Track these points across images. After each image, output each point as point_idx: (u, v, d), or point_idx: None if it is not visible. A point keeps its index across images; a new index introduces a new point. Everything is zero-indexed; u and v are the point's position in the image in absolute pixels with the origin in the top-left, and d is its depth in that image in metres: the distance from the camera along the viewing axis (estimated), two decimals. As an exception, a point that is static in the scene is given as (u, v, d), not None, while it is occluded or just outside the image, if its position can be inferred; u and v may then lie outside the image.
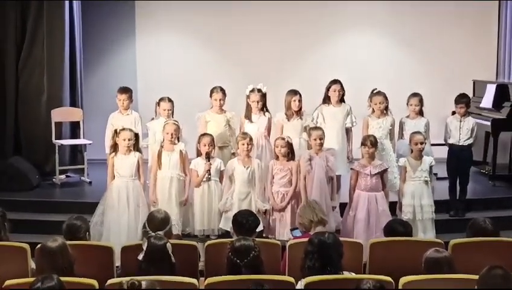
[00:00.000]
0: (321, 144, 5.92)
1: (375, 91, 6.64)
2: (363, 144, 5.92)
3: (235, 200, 5.86)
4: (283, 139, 5.92)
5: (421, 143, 6.00)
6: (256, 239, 4.24)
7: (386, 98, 6.58)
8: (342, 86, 6.63)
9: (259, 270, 3.87)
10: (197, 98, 7.57)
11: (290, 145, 5.92)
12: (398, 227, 4.77)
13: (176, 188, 5.96)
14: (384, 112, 6.58)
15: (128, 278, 3.37)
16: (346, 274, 3.94)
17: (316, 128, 6.08)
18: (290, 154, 5.93)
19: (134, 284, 3.31)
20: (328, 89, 6.65)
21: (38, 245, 4.05)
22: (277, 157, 5.96)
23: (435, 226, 6.00)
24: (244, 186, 5.89)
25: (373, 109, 6.61)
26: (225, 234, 5.80)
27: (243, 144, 5.89)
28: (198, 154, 6.04)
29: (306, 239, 4.17)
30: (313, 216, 4.93)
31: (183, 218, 5.99)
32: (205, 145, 5.92)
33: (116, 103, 7.03)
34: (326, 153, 5.96)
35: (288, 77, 8.67)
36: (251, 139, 5.96)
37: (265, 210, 5.90)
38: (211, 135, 6.08)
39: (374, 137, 5.99)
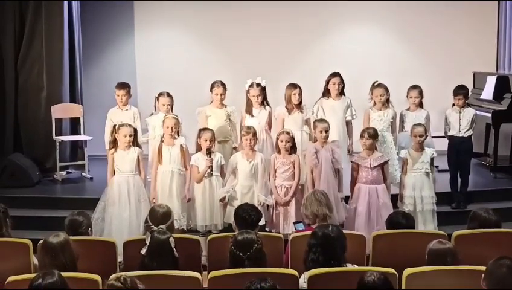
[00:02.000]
0: (327, 136, 5.91)
1: (376, 83, 6.63)
2: (361, 135, 5.92)
3: (238, 194, 5.85)
4: (288, 133, 5.90)
5: (421, 136, 5.99)
6: (259, 233, 4.23)
7: (387, 90, 6.57)
8: (341, 78, 6.63)
9: (262, 263, 3.87)
10: (197, 92, 7.57)
11: (292, 139, 5.91)
12: (400, 219, 4.75)
13: (177, 182, 5.95)
14: (386, 104, 6.58)
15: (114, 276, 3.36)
16: (350, 267, 3.94)
17: (322, 120, 6.06)
18: (292, 147, 5.92)
19: (126, 281, 3.29)
20: (327, 82, 6.66)
21: (41, 241, 4.04)
22: (278, 151, 5.95)
23: (436, 218, 6.01)
24: (246, 180, 5.88)
25: (374, 101, 6.60)
26: (227, 228, 5.79)
27: (246, 139, 5.87)
28: (198, 149, 6.01)
29: (309, 232, 4.16)
30: (318, 210, 4.84)
31: (186, 212, 5.98)
32: (206, 141, 5.89)
33: (115, 98, 7.01)
34: (331, 145, 5.95)
35: (288, 70, 8.66)
36: (255, 134, 5.93)
37: (267, 204, 5.90)
38: (211, 130, 6.05)
39: (374, 129, 5.98)
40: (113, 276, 3.34)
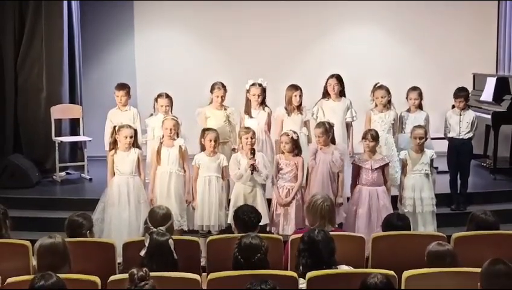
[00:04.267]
0: (324, 141, 5.88)
1: (377, 85, 6.63)
2: (363, 138, 5.90)
3: (239, 195, 5.84)
4: (287, 135, 5.89)
5: (421, 138, 5.98)
6: (260, 234, 4.22)
7: (388, 92, 6.57)
8: (338, 80, 6.62)
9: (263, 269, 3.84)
10: (197, 93, 7.56)
11: (294, 141, 5.88)
12: (395, 221, 4.77)
13: (175, 183, 5.95)
14: (387, 106, 6.58)
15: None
16: (345, 268, 3.93)
17: (318, 124, 6.01)
18: (296, 149, 5.90)
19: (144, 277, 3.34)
20: (326, 83, 6.65)
21: (36, 242, 4.04)
22: (282, 152, 5.94)
23: (436, 219, 6.00)
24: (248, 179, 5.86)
25: (375, 103, 6.60)
26: (226, 229, 5.79)
27: (247, 138, 5.85)
28: (202, 148, 5.99)
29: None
30: (319, 223, 4.73)
31: (185, 213, 5.97)
32: (211, 141, 5.87)
33: (115, 99, 7.00)
34: (334, 148, 5.93)
35: (288, 71, 8.67)
36: (254, 133, 5.93)
37: (269, 203, 5.88)
38: (216, 130, 6.03)
39: (375, 131, 5.98)
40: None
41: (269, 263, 3.93)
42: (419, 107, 6.73)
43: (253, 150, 5.81)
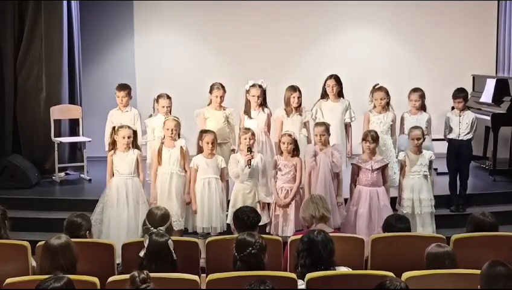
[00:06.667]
0: (324, 140, 5.89)
1: (376, 86, 6.63)
2: (364, 139, 5.90)
3: (238, 195, 5.84)
4: (290, 135, 5.90)
5: (418, 139, 5.97)
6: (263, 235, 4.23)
7: (387, 93, 6.57)
8: (336, 81, 6.63)
9: (256, 268, 3.84)
10: (196, 93, 7.56)
11: (295, 142, 5.90)
12: (396, 222, 4.76)
13: (176, 183, 5.94)
14: (386, 107, 6.58)
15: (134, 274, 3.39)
16: (344, 269, 3.93)
17: (319, 124, 6.03)
18: (295, 150, 5.91)
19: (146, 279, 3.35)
20: (324, 84, 6.66)
21: (41, 242, 4.04)
22: (281, 153, 5.94)
23: (435, 221, 6.00)
24: (247, 179, 5.86)
25: (374, 104, 6.60)
26: (226, 231, 5.78)
27: (245, 138, 5.86)
28: (200, 151, 5.99)
29: (306, 235, 4.16)
30: (315, 212, 4.80)
31: (185, 213, 5.97)
32: (208, 143, 5.87)
33: (115, 99, 6.99)
34: (332, 148, 5.93)
35: (288, 73, 8.66)
36: (253, 134, 5.93)
37: (268, 204, 5.89)
38: (213, 132, 6.04)
39: (375, 132, 5.97)
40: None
41: (264, 262, 3.94)
42: (422, 108, 6.71)
43: (250, 148, 5.82)
